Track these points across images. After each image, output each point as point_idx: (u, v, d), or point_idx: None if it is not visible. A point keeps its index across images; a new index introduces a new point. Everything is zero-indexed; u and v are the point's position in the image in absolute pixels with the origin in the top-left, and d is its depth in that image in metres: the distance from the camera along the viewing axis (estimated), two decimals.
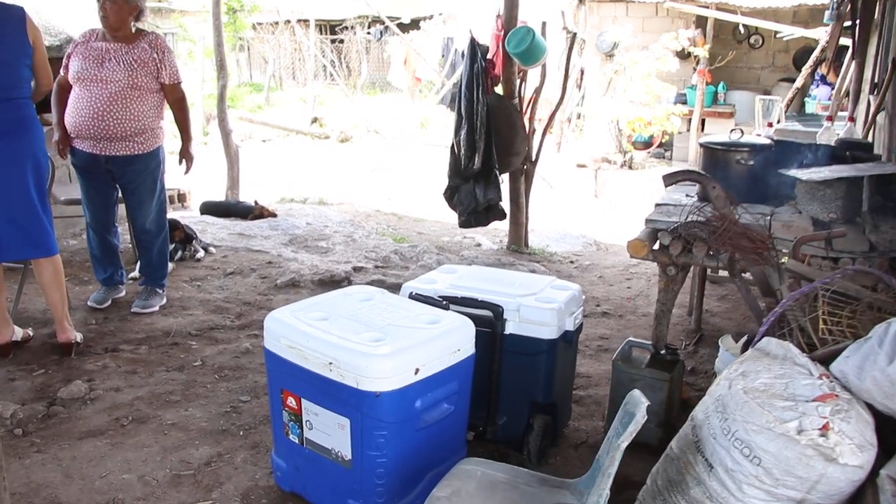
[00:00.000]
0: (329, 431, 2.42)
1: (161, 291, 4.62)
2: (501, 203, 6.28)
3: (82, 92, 4.15)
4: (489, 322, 2.78)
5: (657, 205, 3.48)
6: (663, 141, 11.75)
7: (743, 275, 2.98)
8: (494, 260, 6.09)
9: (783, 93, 11.17)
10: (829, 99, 9.68)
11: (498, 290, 2.93)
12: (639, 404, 1.95)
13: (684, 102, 11.59)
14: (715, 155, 3.51)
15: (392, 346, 2.32)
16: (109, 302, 4.54)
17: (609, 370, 3.92)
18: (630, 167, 10.95)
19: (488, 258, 6.15)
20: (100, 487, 2.69)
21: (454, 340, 2.47)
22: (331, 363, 2.32)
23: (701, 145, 3.61)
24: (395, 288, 5.53)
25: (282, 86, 19.37)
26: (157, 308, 4.51)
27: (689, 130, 11.48)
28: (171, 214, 7.45)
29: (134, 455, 2.90)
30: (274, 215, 7.38)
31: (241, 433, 3.11)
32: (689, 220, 2.88)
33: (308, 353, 2.39)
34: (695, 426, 2.02)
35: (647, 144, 11.91)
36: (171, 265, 5.28)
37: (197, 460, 2.89)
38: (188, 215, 7.37)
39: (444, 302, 2.74)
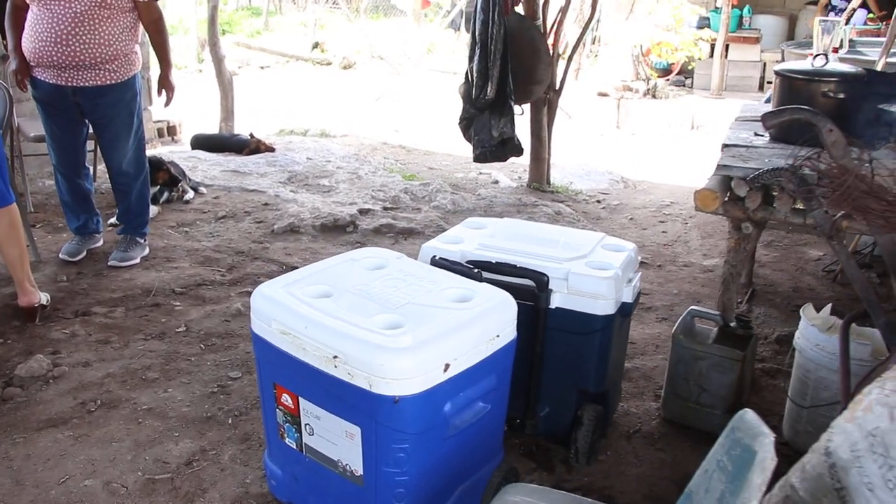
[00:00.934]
0: (335, 440, 1.91)
1: (142, 241, 4.08)
2: (517, 137, 5.67)
3: (41, 12, 3.52)
4: (530, 293, 2.24)
5: (725, 146, 2.89)
6: (689, 68, 11.00)
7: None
8: (514, 200, 5.53)
9: (810, 17, 10.39)
10: (865, 24, 8.95)
11: (538, 251, 2.38)
12: (758, 437, 1.42)
13: (706, 27, 10.82)
14: (795, 86, 2.90)
15: (414, 334, 1.79)
16: (84, 254, 4.01)
17: (657, 334, 3.40)
18: (654, 96, 10.25)
19: (507, 197, 5.59)
20: (56, 498, 2.20)
21: (492, 323, 1.93)
22: (336, 357, 1.79)
23: (777, 73, 3.00)
24: (406, 234, 5.02)
25: (281, 10, 18.43)
26: (137, 260, 3.98)
27: (711, 57, 10.75)
28: (159, 150, 6.88)
29: (100, 453, 2.41)
30: (272, 150, 6.78)
31: (230, 421, 2.61)
32: (776, 168, 2.30)
33: (306, 342, 1.86)
34: (834, 466, 1.48)
35: (665, 72, 11.17)
36: (155, 209, 4.74)
37: (175, 459, 2.39)
38: (178, 150, 6.78)
39: (476, 270, 2.20)
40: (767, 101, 4.47)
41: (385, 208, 5.24)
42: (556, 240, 2.50)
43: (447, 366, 1.80)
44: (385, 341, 1.77)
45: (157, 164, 4.90)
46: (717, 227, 5.25)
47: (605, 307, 2.24)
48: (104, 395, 2.73)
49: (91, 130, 3.88)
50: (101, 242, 4.18)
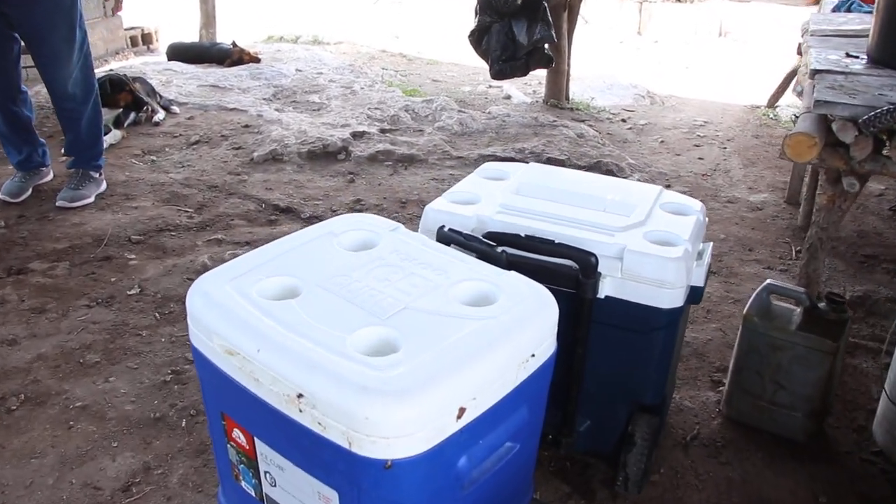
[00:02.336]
0: (303, 497, 1.36)
1: (97, 175, 3.48)
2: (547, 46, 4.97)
3: None
4: (572, 279, 1.66)
5: (816, 71, 2.25)
6: None
7: None
8: (530, 119, 4.88)
9: None
10: None
11: (580, 215, 1.79)
12: None
13: None
14: None
15: (415, 365, 1.23)
16: (29, 192, 3.42)
17: (707, 295, 2.83)
18: None
19: (522, 116, 4.94)
20: None
21: (526, 338, 1.36)
22: (300, 397, 1.23)
23: None
24: (407, 162, 4.35)
25: None
26: (90, 199, 3.39)
27: None
28: (132, 61, 6.17)
29: (14, 474, 1.88)
30: (257, 60, 6.09)
31: (184, 424, 2.07)
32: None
33: (259, 371, 1.29)
34: None
35: None
36: (118, 134, 4.13)
37: (110, 483, 1.86)
38: (153, 61, 6.09)
39: (500, 250, 1.61)
40: (837, 8, 3.78)
41: (382, 130, 4.60)
42: (602, 196, 1.90)
43: (462, 410, 1.24)
44: (371, 378, 1.20)
45: (119, 84, 4.24)
46: (760, 153, 4.63)
47: (671, 298, 1.66)
48: (30, 387, 2.19)
49: (24, 45, 3.21)
50: (49, 177, 3.58)
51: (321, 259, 1.52)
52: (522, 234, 1.67)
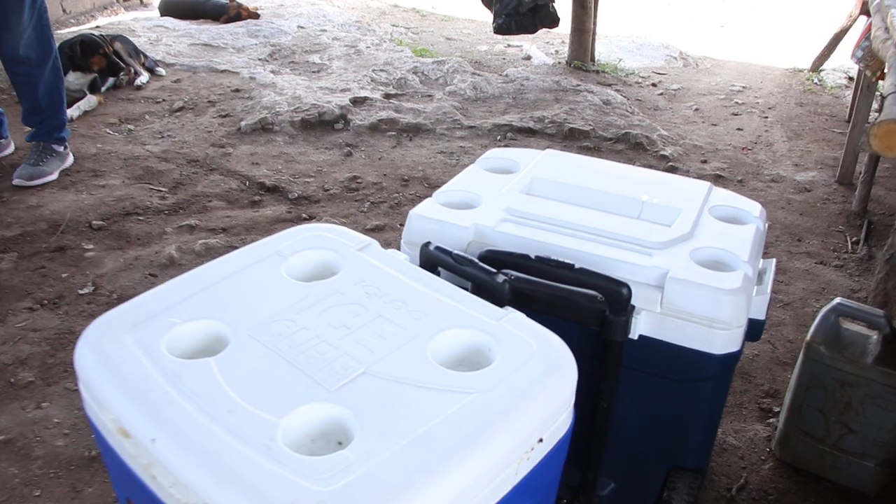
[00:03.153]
0: None
1: (60, 149, 3.10)
2: (552, 4, 4.52)
3: None
4: (596, 313, 1.26)
5: None
6: None
7: None
8: (551, 83, 4.44)
9: None
10: None
11: (608, 224, 1.40)
12: None
13: None
14: None
15: (370, 471, 0.85)
16: None
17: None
18: None
19: (542, 80, 4.50)
20: None
21: (529, 420, 0.96)
22: None
23: None
24: (412, 132, 3.90)
25: None
26: (53, 176, 3.03)
27: None
28: (122, 17, 5.75)
29: None
30: (255, 16, 5.67)
31: None
32: None
33: (157, 468, 0.92)
34: None
35: None
36: (93, 100, 3.74)
37: None
38: (144, 17, 5.67)
39: (501, 278, 1.21)
40: None
41: (387, 95, 4.19)
42: (636, 196, 1.50)
43: None
44: (305, 494, 0.82)
45: (92, 46, 3.84)
46: (805, 123, 4.17)
47: (725, 340, 1.26)
48: None
49: None
50: (9, 150, 3.22)
51: (260, 293, 1.14)
52: (532, 256, 1.27)
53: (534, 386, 0.98)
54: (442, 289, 1.15)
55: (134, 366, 1.00)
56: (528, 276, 1.26)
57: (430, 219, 1.40)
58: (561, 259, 1.26)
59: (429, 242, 1.28)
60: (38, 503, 1.61)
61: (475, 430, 0.91)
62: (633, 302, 1.25)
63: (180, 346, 1.05)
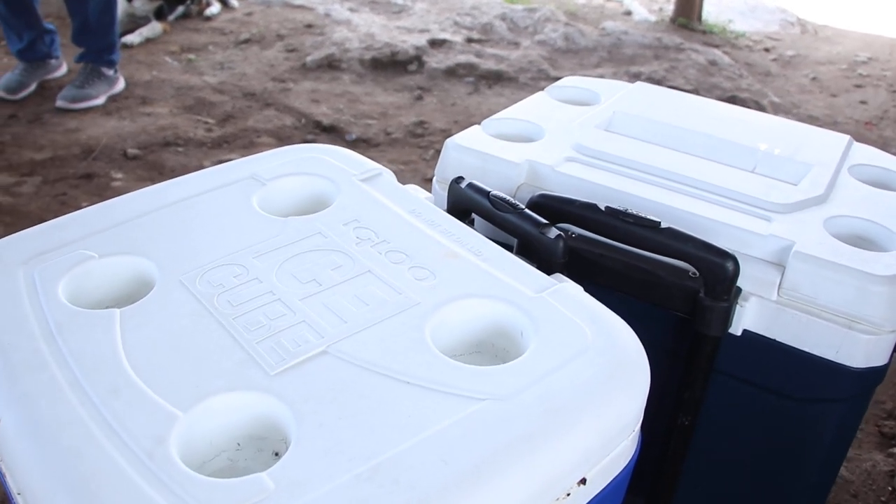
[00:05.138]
0: None
1: (110, 73, 2.87)
2: None
3: None
4: (682, 294, 0.90)
5: None
6: None
7: None
8: (652, 40, 3.99)
9: None
10: None
11: (712, 174, 1.03)
12: None
13: None
14: None
15: None
16: (31, 88, 2.85)
17: None
18: None
19: (642, 36, 4.04)
20: None
21: (569, 450, 0.62)
22: None
23: None
24: (492, 79, 3.54)
25: None
26: (98, 101, 2.80)
27: None
28: None
29: None
30: None
31: None
32: None
33: (3, 455, 0.62)
34: None
35: None
36: (157, 27, 3.51)
37: None
38: None
39: (553, 233, 0.85)
40: None
41: (469, 40, 3.82)
42: (751, 145, 1.11)
43: None
44: None
45: None
46: None
47: (869, 349, 0.88)
48: None
49: None
50: (61, 71, 3.01)
51: (214, 228, 0.82)
52: (602, 206, 0.91)
53: (581, 395, 0.64)
54: (466, 240, 0.81)
55: (11, 309, 0.70)
56: (592, 234, 0.91)
57: (472, 150, 1.06)
58: (642, 214, 0.90)
59: (460, 178, 0.94)
60: None
61: (475, 463, 0.57)
62: (739, 283, 0.89)
63: (86, 287, 0.75)
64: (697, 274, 0.89)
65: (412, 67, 3.39)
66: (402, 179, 2.45)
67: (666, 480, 1.01)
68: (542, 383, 0.64)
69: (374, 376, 0.63)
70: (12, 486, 0.61)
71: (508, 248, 0.90)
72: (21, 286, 0.73)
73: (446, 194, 0.96)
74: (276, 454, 0.62)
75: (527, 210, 0.87)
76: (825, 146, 1.15)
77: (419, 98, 3.12)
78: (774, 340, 0.91)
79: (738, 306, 0.90)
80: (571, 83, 1.33)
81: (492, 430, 0.59)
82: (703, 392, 0.94)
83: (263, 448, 0.63)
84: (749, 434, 0.99)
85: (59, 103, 2.73)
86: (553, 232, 0.84)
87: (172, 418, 0.59)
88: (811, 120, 3.28)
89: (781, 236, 0.91)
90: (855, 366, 0.88)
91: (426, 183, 2.47)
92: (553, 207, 0.93)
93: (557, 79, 3.38)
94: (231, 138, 2.62)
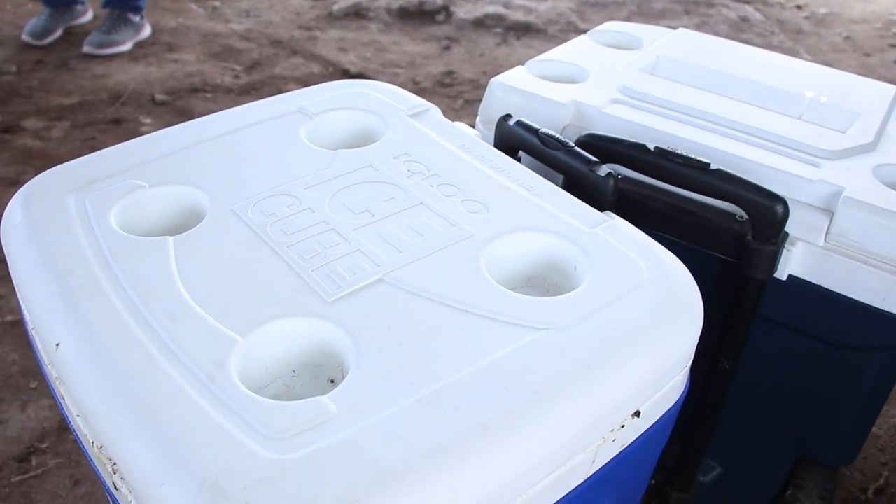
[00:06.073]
0: None
1: (136, 18, 2.85)
2: None
3: None
4: (733, 236, 0.89)
5: None
6: None
7: None
8: None
9: None
10: None
11: (758, 119, 1.01)
12: None
13: None
14: None
15: (359, 435, 0.53)
16: (58, 34, 2.84)
17: None
18: None
19: None
20: None
21: (625, 381, 0.61)
22: (114, 469, 0.56)
23: None
24: (520, 31, 3.50)
25: None
26: (125, 47, 2.79)
27: None
28: None
29: None
30: None
31: None
32: None
33: (58, 382, 0.63)
34: None
35: None
36: None
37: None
38: None
39: (604, 170, 0.84)
40: None
41: None
42: (798, 92, 1.09)
43: None
44: (249, 465, 0.51)
45: None
46: None
47: None
48: None
49: None
50: (87, 17, 2.99)
51: (264, 159, 0.82)
52: (651, 147, 0.90)
53: (637, 328, 0.63)
54: (517, 175, 0.81)
55: (65, 236, 0.71)
56: (639, 175, 0.90)
57: (518, 90, 1.05)
58: (692, 155, 0.88)
59: (508, 115, 0.93)
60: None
61: (535, 390, 0.57)
62: (786, 228, 0.88)
63: (137, 216, 0.75)
64: (745, 217, 0.88)
65: (440, 17, 3.34)
66: None
67: (704, 424, 1.01)
68: (599, 315, 0.63)
69: (431, 304, 0.63)
70: (71, 408, 0.61)
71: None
72: (73, 214, 0.73)
73: (492, 133, 0.95)
74: (332, 381, 0.63)
75: (577, 148, 0.86)
76: (872, 96, 1.13)
77: (447, 48, 3.09)
78: (820, 287, 0.91)
79: (784, 251, 0.89)
80: (614, 27, 1.31)
81: (550, 359, 0.59)
82: (745, 336, 0.94)
83: (319, 375, 0.63)
84: (789, 381, 0.99)
85: (86, 49, 2.72)
86: (603, 170, 0.83)
87: (231, 342, 0.59)
88: None
89: (831, 182, 0.89)
90: None
91: None
92: (601, 147, 0.92)
93: (586, 31, 3.34)
94: (258, 85, 2.61)
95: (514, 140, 0.91)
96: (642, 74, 1.11)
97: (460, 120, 2.43)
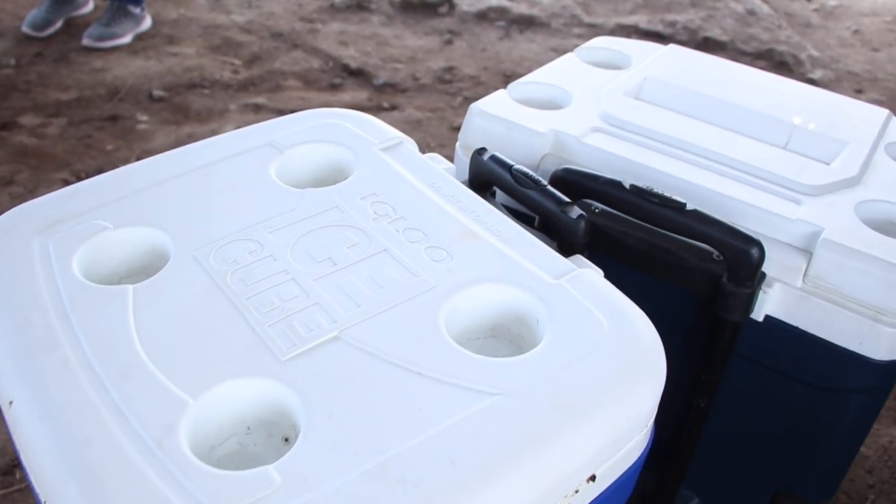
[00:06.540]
0: None
1: (136, 10, 2.84)
2: None
3: None
4: (709, 277, 0.88)
5: None
6: None
7: None
8: None
9: None
10: None
11: (742, 150, 1.00)
12: None
13: None
14: None
15: None
16: (58, 25, 2.83)
17: None
18: None
19: None
20: None
21: (579, 447, 0.61)
22: None
23: None
24: (524, 24, 3.43)
25: None
26: (125, 39, 2.78)
27: None
28: None
29: None
30: None
31: None
32: None
33: (14, 429, 0.63)
34: None
35: None
36: None
37: None
38: None
39: (576, 213, 0.83)
40: None
41: None
42: (785, 118, 1.08)
43: None
44: None
45: None
46: None
47: (894, 343, 0.86)
48: None
49: None
50: (88, 8, 2.98)
51: (230, 198, 0.81)
52: (626, 184, 0.89)
53: (593, 392, 0.63)
54: (485, 218, 0.80)
55: (26, 283, 0.70)
56: (615, 210, 0.89)
57: (496, 117, 1.03)
58: (667, 194, 0.87)
59: (483, 149, 0.92)
60: None
61: (483, 463, 0.56)
62: (764, 267, 0.87)
63: (100, 259, 0.75)
64: (721, 257, 0.87)
65: (443, 10, 3.31)
66: (430, 128, 2.44)
67: (679, 458, 1.00)
68: (555, 378, 0.63)
69: (385, 365, 0.63)
70: (26, 466, 0.61)
71: (531, 219, 0.89)
72: (36, 258, 0.73)
73: (468, 162, 0.94)
74: (286, 440, 0.62)
75: (549, 187, 0.85)
76: (862, 121, 1.11)
77: (449, 42, 3.06)
78: (797, 328, 0.90)
79: (762, 291, 0.88)
80: (602, 44, 1.29)
81: (502, 428, 0.58)
82: (721, 375, 0.93)
83: (273, 433, 0.63)
84: (765, 418, 0.98)
85: (86, 42, 2.71)
86: (575, 212, 0.82)
87: (182, 405, 0.59)
88: (851, 76, 3.17)
89: (810, 221, 0.88)
90: (878, 358, 0.86)
91: (453, 132, 2.44)
92: (577, 182, 0.91)
93: (591, 25, 3.31)
94: (257, 81, 2.60)
95: (487, 175, 0.90)
96: (626, 99, 1.10)
97: (459, 119, 2.43)
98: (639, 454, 0.68)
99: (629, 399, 0.64)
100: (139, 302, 0.68)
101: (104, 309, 0.67)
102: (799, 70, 3.07)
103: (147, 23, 2.89)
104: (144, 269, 0.75)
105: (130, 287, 0.70)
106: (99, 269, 0.74)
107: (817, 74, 3.07)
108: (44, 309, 0.67)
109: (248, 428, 0.63)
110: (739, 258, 0.84)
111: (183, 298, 0.69)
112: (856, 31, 3.73)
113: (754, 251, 0.84)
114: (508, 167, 0.88)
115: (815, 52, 3.30)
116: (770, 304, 0.89)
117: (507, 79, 2.81)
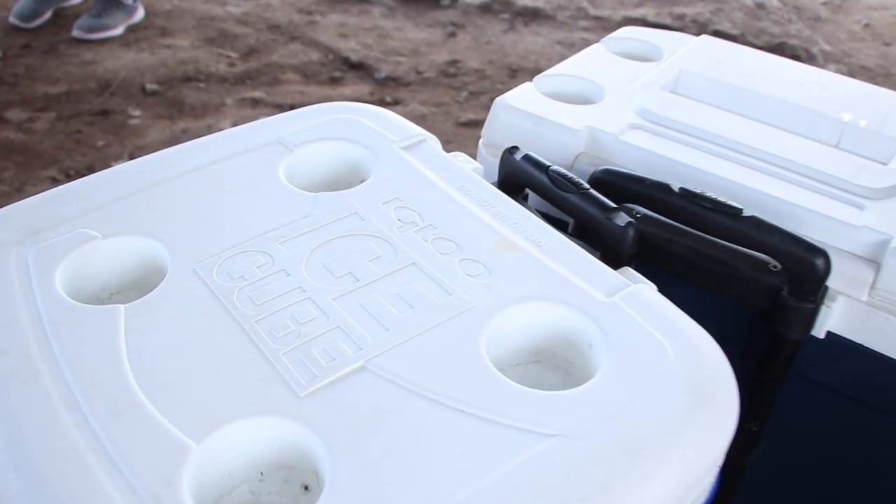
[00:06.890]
0: None
1: (128, 2, 2.74)
2: None
3: None
4: (767, 290, 0.79)
5: None
6: None
7: None
8: None
9: None
10: None
11: (793, 149, 0.91)
12: None
13: None
14: None
15: None
16: (47, 16, 2.73)
17: None
18: None
19: None
20: None
21: (649, 498, 0.52)
22: None
23: None
24: (528, 17, 3.36)
25: None
26: (116, 31, 2.67)
27: None
28: None
29: None
30: None
31: None
32: None
33: None
34: None
35: None
36: None
37: None
38: None
39: (623, 219, 0.74)
40: None
41: None
42: (834, 114, 0.99)
43: None
44: None
45: None
46: None
47: None
48: None
49: None
50: None
51: (234, 203, 0.72)
52: (675, 187, 0.80)
53: (664, 433, 0.54)
54: (523, 226, 0.71)
55: (1, 303, 0.61)
56: (663, 217, 0.80)
57: (525, 112, 0.94)
58: (721, 199, 0.78)
59: (514, 148, 0.82)
60: None
61: None
62: (832, 284, 0.78)
63: (87, 274, 0.65)
64: (780, 268, 0.78)
65: (445, 2, 3.22)
66: (434, 122, 2.34)
67: (727, 485, 0.92)
68: (621, 416, 0.54)
69: (421, 401, 0.54)
70: None
71: (564, 224, 0.80)
72: (13, 273, 0.64)
73: (497, 162, 0.85)
74: (306, 487, 0.53)
75: (592, 191, 0.76)
76: None
77: (452, 35, 2.97)
78: (861, 345, 0.81)
79: (825, 306, 0.79)
80: (630, 34, 1.20)
81: (565, 478, 0.50)
82: (775, 396, 0.84)
83: (290, 479, 0.54)
84: (822, 442, 0.89)
85: (75, 33, 2.61)
86: (623, 218, 0.73)
87: (184, 450, 0.50)
88: (863, 70, 3.10)
89: (877, 228, 0.79)
90: None
91: (459, 127, 2.35)
92: (619, 185, 0.82)
93: (597, 18, 3.22)
94: (254, 74, 2.50)
95: (520, 177, 0.81)
96: (663, 93, 1.01)
97: (465, 114, 2.34)
98: (705, 499, 0.59)
99: (703, 437, 0.55)
100: (132, 325, 0.59)
101: (91, 333, 0.58)
102: (812, 65, 2.99)
103: (139, 14, 2.79)
104: (137, 284, 0.66)
105: (122, 307, 0.60)
106: (85, 286, 0.64)
107: (831, 69, 2.98)
108: (21, 333, 0.58)
109: (262, 474, 0.54)
110: (803, 270, 0.75)
111: (182, 320, 0.59)
112: (866, 25, 3.65)
113: (820, 262, 0.75)
114: (545, 168, 0.79)
115: (826, 47, 3.23)
116: (832, 319, 0.80)
117: (513, 73, 2.73)
